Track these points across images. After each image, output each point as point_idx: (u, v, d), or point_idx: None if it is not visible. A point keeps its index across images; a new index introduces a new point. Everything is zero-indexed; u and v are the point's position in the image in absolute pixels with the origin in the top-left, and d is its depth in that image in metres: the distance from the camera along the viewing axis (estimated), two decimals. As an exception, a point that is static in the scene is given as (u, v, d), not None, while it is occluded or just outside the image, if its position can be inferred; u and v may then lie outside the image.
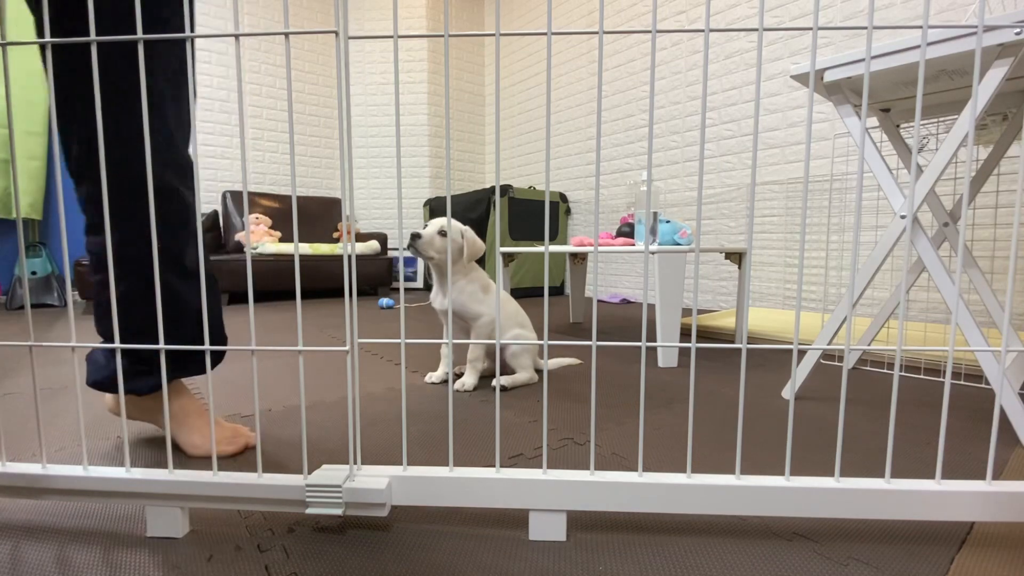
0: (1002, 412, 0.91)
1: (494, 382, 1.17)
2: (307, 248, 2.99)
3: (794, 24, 2.21)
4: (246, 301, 2.87)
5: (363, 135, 3.85)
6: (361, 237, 3.32)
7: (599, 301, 3.04)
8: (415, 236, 1.09)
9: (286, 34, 0.50)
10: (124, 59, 0.63)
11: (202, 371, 0.75)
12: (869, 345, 0.80)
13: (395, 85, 0.50)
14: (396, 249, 4.10)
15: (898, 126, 1.15)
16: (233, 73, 3.37)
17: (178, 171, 0.70)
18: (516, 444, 0.82)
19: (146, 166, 0.55)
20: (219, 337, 0.77)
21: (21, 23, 2.56)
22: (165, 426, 0.67)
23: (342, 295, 3.31)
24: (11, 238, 2.74)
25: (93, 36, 0.50)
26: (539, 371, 1.24)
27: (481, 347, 1.17)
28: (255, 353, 0.64)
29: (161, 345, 0.53)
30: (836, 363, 1.39)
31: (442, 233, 1.11)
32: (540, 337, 1.71)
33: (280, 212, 3.36)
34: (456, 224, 1.14)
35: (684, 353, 1.46)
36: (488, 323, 1.15)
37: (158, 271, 0.52)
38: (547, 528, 0.55)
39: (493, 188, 3.27)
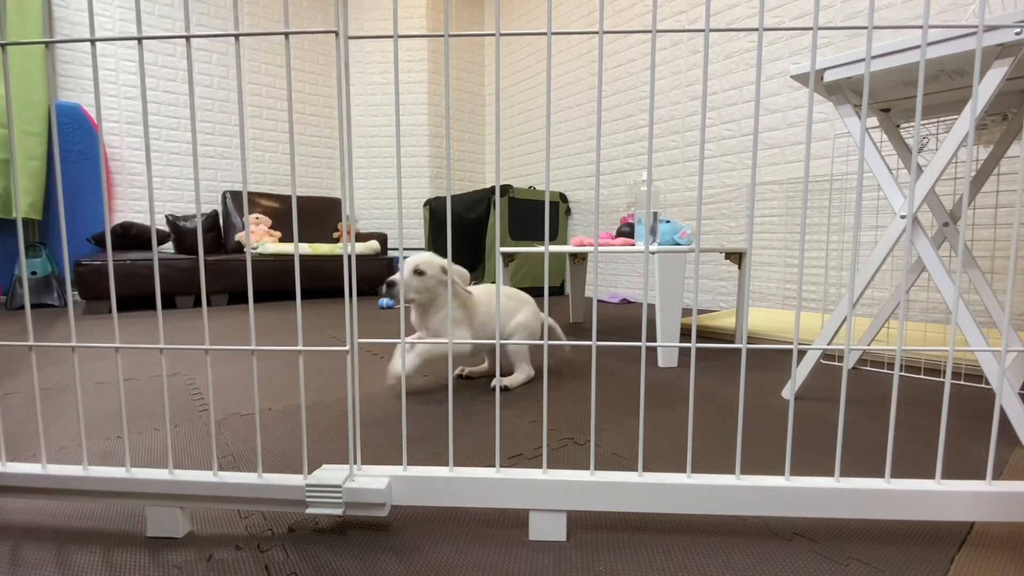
0: (1002, 412, 0.91)
1: (493, 383, 1.17)
2: (307, 248, 2.99)
3: (794, 24, 2.21)
4: (246, 301, 2.87)
5: (363, 135, 3.85)
6: (361, 237, 3.32)
7: (599, 301, 3.04)
8: (391, 284, 1.02)
9: (286, 34, 0.50)
10: None
11: None
12: (869, 345, 0.80)
13: (395, 85, 0.50)
14: (396, 249, 4.10)
15: (898, 126, 1.15)
16: (233, 73, 3.37)
17: None
18: (516, 444, 0.82)
19: None
20: None
21: (22, 22, 2.56)
22: None
23: (342, 295, 3.31)
24: (11, 238, 2.74)
25: (92, 36, 0.50)
26: (538, 369, 1.24)
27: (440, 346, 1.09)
28: (255, 353, 0.64)
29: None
30: (836, 363, 1.39)
31: (418, 272, 1.05)
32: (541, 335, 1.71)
33: (280, 212, 3.36)
34: (436, 260, 1.07)
35: (684, 353, 1.46)
36: (486, 323, 1.14)
37: None
38: (547, 528, 0.55)
39: (493, 188, 3.27)
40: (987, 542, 0.55)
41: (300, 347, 0.56)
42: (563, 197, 3.40)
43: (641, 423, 0.52)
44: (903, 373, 1.28)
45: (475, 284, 3.36)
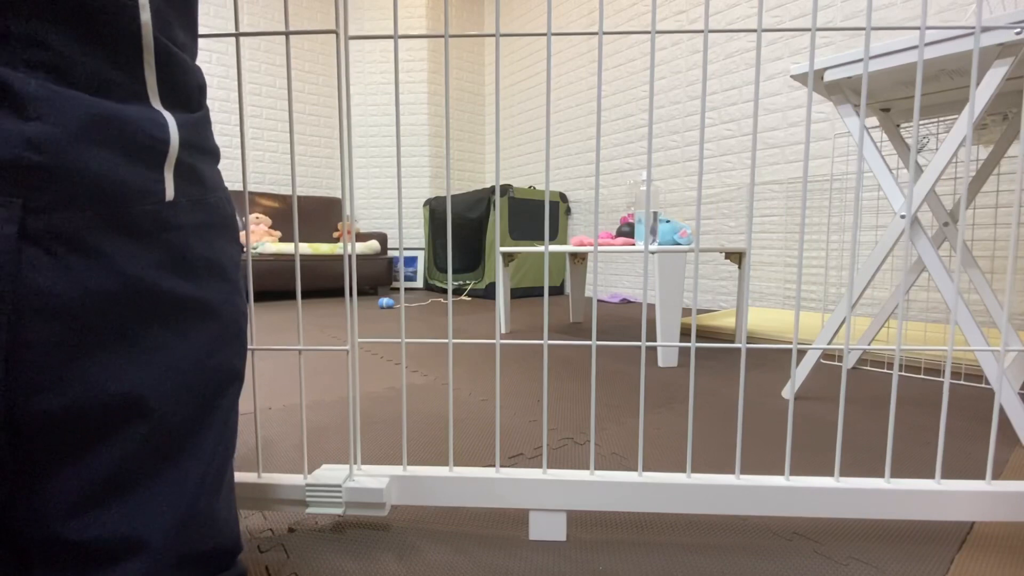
0: (1002, 412, 0.91)
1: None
2: (307, 248, 2.99)
3: (794, 24, 2.21)
4: (246, 300, 2.86)
5: (363, 135, 3.85)
6: (361, 237, 3.32)
7: (599, 301, 3.04)
8: None
9: (286, 34, 0.50)
10: None
11: None
12: (869, 345, 0.80)
13: (395, 85, 0.50)
14: (396, 249, 4.10)
15: (898, 126, 1.15)
16: (233, 73, 3.37)
17: None
18: (516, 444, 0.82)
19: None
20: None
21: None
22: None
23: (342, 295, 3.31)
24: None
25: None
26: (537, 368, 1.24)
27: None
28: (255, 353, 0.64)
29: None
30: (836, 363, 1.39)
31: None
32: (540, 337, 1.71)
33: (280, 212, 3.36)
34: None
35: (684, 353, 1.46)
36: None
37: None
38: (547, 528, 0.55)
39: (493, 188, 3.26)
40: (987, 542, 0.55)
41: (300, 347, 0.56)
42: (563, 197, 3.40)
43: (641, 423, 0.52)
44: (903, 373, 1.28)
45: (474, 285, 3.34)
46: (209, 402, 0.35)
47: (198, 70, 0.36)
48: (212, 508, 0.36)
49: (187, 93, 0.34)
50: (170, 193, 0.32)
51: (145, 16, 0.30)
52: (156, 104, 0.32)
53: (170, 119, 0.32)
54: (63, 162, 0.26)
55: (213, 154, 0.37)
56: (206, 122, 0.36)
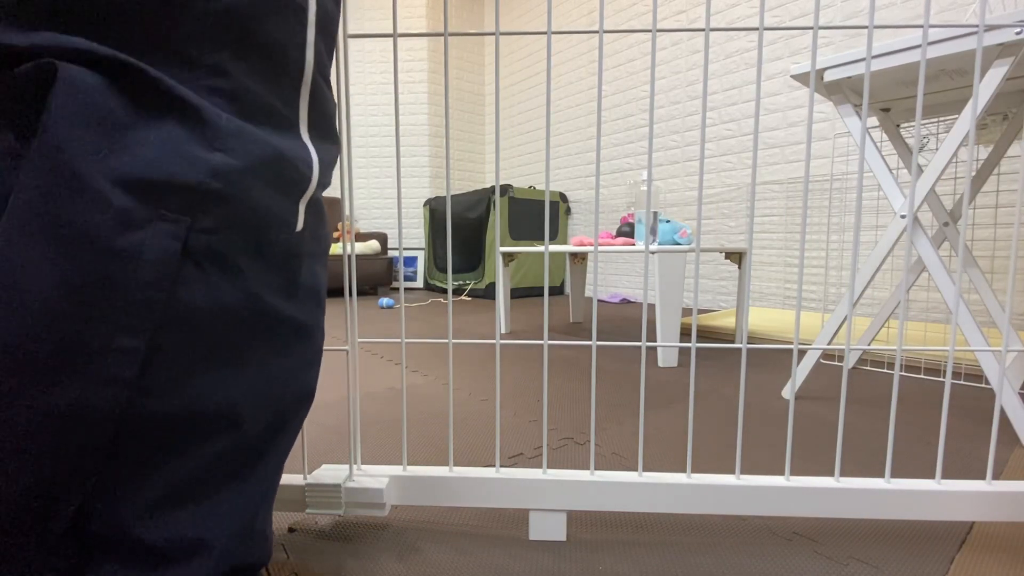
0: (1002, 412, 0.91)
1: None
2: (307, 248, 2.99)
3: (794, 24, 2.21)
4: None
5: (363, 135, 3.85)
6: (361, 237, 3.32)
7: (599, 301, 3.03)
8: None
9: (286, 34, 0.50)
10: None
11: None
12: (869, 345, 0.80)
13: (395, 84, 0.50)
14: (396, 249, 4.10)
15: (898, 126, 1.15)
16: (233, 73, 3.36)
17: None
18: (516, 444, 0.82)
19: None
20: None
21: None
22: None
23: (342, 295, 3.31)
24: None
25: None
26: (538, 368, 1.24)
27: None
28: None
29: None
30: (836, 363, 1.39)
31: None
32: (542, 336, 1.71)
33: (280, 212, 3.36)
34: None
35: (684, 353, 1.46)
36: None
37: None
38: (547, 528, 0.55)
39: (493, 188, 3.26)
40: (987, 542, 0.55)
41: (300, 347, 0.56)
42: (563, 197, 3.40)
43: (641, 423, 0.52)
44: (903, 373, 1.28)
45: (474, 285, 3.34)
46: (286, 420, 0.37)
47: (335, 102, 0.39)
48: (265, 522, 0.37)
49: (330, 125, 0.37)
50: (299, 224, 0.35)
51: (310, 55, 0.33)
52: (304, 135, 0.34)
53: (315, 157, 0.35)
54: (234, 191, 0.29)
55: (327, 185, 0.40)
56: (336, 157, 0.39)
